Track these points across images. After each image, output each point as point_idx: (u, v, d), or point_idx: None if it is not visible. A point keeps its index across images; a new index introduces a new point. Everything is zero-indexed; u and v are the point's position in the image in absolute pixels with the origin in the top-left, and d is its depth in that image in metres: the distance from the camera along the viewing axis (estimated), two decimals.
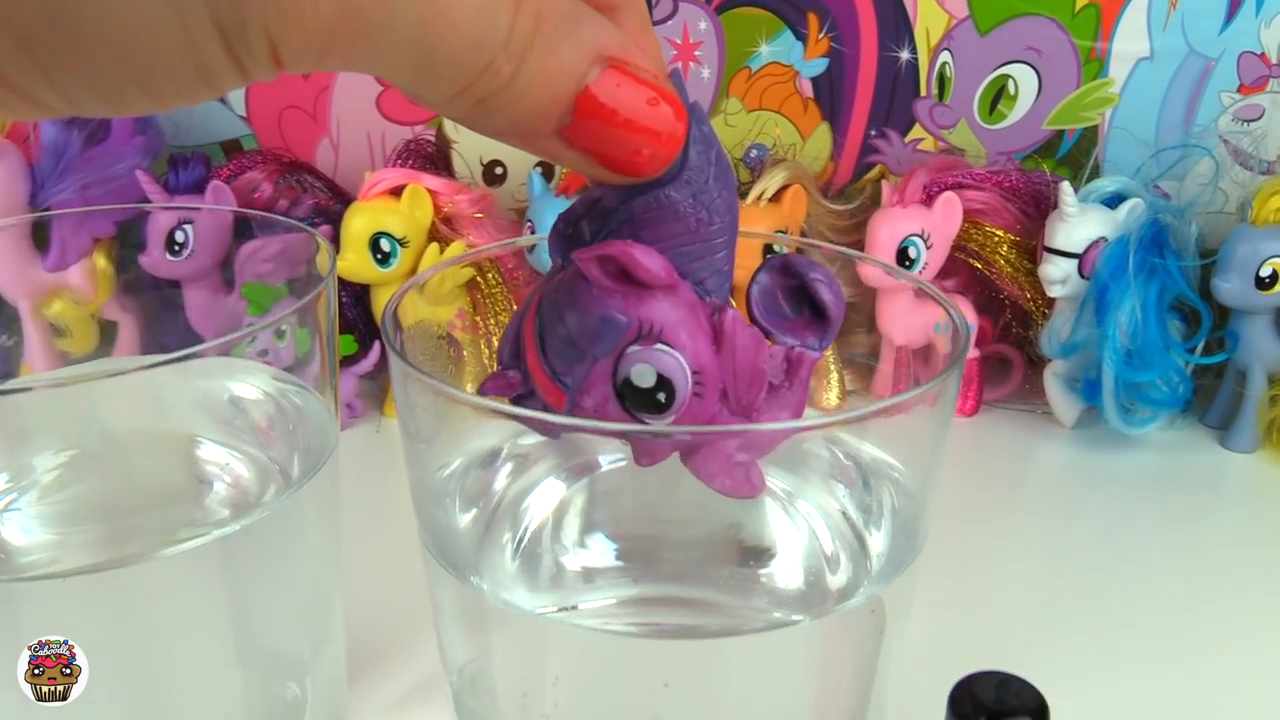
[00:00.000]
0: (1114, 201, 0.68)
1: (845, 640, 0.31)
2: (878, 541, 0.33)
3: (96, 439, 0.37)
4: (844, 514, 0.33)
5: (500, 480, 0.35)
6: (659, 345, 0.26)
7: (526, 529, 0.33)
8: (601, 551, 0.33)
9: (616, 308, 0.26)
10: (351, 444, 0.68)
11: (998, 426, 0.73)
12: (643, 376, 0.26)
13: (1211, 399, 0.73)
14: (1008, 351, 0.74)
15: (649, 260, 0.26)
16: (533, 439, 0.35)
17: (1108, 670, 0.48)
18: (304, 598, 0.37)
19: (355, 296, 0.70)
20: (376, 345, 0.69)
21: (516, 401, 0.28)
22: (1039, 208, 0.71)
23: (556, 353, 0.27)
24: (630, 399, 0.26)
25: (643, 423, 0.27)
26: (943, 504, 0.34)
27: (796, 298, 0.29)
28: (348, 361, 0.69)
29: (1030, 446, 0.71)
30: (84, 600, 0.32)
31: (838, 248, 0.40)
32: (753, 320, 0.28)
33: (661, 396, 0.26)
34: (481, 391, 0.28)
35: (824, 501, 0.33)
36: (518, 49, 0.22)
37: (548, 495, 0.35)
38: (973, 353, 0.73)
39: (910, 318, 0.61)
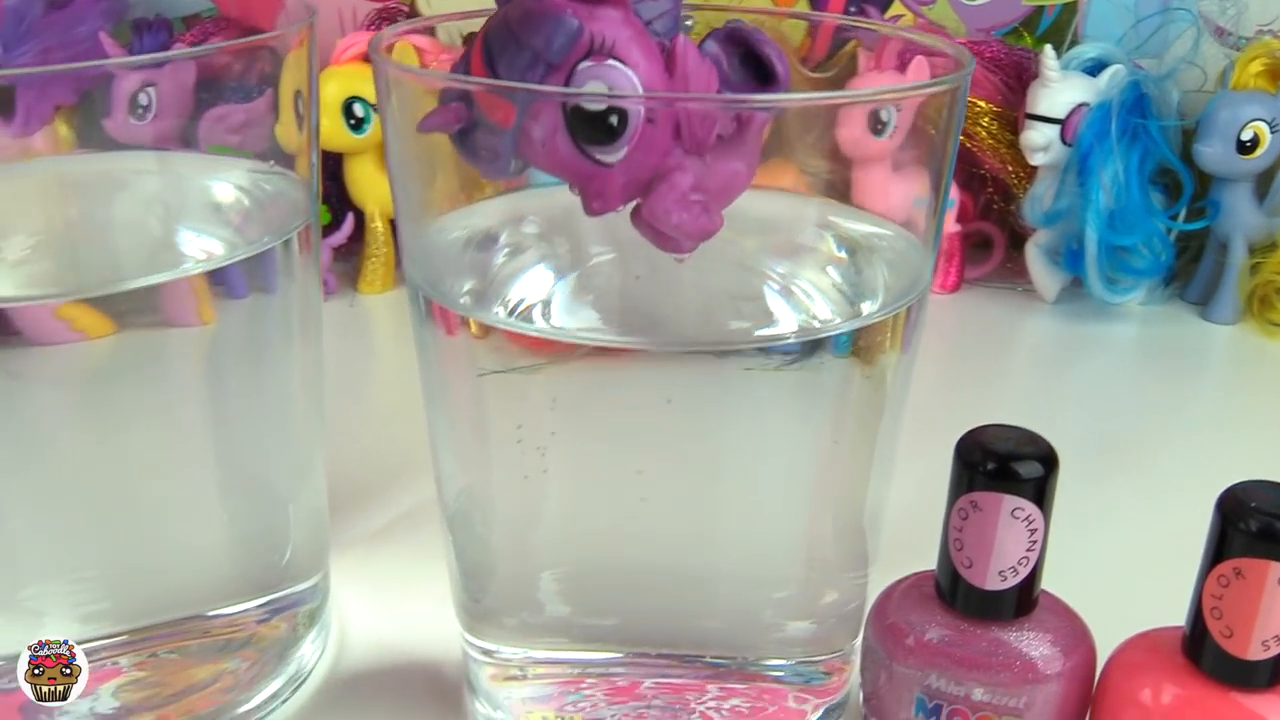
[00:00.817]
0: (1095, 69, 0.67)
1: (845, 385, 0.30)
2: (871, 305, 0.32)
3: (64, 224, 0.35)
4: (839, 290, 0.32)
5: (497, 259, 0.33)
6: (610, 60, 0.25)
7: (522, 302, 0.32)
8: (597, 319, 0.32)
9: (568, 15, 0.25)
10: (327, 317, 0.67)
11: (979, 303, 0.73)
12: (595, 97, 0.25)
13: (1192, 275, 0.72)
14: (989, 229, 0.74)
15: None
16: (530, 229, 0.34)
17: (1089, 541, 0.47)
18: (284, 420, 0.36)
19: (328, 170, 0.68)
20: (350, 217, 0.68)
21: (459, 137, 0.26)
22: (1020, 79, 0.70)
23: (508, 66, 0.25)
24: (581, 131, 0.25)
25: (594, 159, 0.25)
26: (923, 378, 0.33)
27: (743, 65, 0.28)
28: (321, 233, 0.67)
29: (1012, 321, 0.71)
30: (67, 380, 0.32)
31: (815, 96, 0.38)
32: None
33: (614, 120, 0.25)
34: (421, 126, 0.27)
35: (819, 280, 0.32)
36: None
37: (540, 278, 0.33)
38: (954, 228, 0.72)
39: (888, 191, 0.60)
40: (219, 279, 0.33)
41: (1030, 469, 0.29)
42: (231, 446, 0.35)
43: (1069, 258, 0.68)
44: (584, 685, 0.34)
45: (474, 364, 0.30)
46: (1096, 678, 0.32)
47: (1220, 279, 0.70)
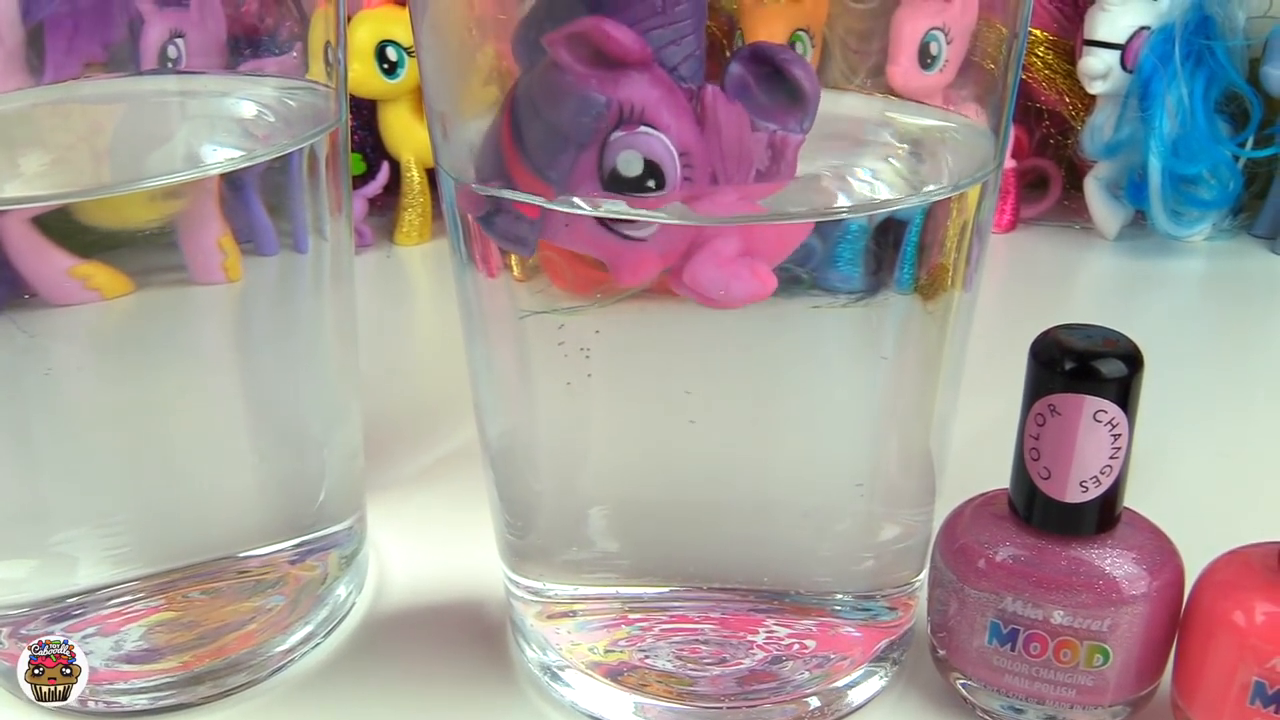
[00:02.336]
0: None
1: (908, 322, 0.29)
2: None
3: (82, 137, 0.34)
4: (901, 175, 0.30)
5: None
6: (642, 128, 0.24)
7: None
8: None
9: (593, 89, 0.24)
10: (363, 269, 0.66)
11: (1036, 243, 0.70)
12: (629, 164, 0.24)
13: (1260, 208, 0.69)
14: (1045, 165, 0.71)
15: (620, 33, 0.24)
16: None
17: (1172, 457, 0.45)
18: (316, 369, 0.35)
19: (362, 119, 0.67)
20: (385, 166, 0.66)
21: (484, 219, 0.26)
22: (1076, 5, 0.67)
23: (537, 146, 0.25)
24: (621, 192, 0.24)
25: (621, 234, 0.25)
26: (980, 320, 0.32)
27: (770, 84, 0.26)
28: (356, 183, 0.66)
29: (1072, 259, 0.68)
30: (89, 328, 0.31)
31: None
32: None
33: (651, 184, 0.24)
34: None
35: (880, 168, 0.30)
36: None
37: None
38: (1008, 165, 0.69)
39: None
40: (246, 235, 0.32)
41: (1113, 367, 0.27)
42: (261, 394, 0.34)
43: (1131, 190, 0.65)
44: (634, 620, 0.32)
45: (515, 306, 0.29)
46: (1185, 599, 0.30)
47: None
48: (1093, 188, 0.67)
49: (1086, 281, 0.67)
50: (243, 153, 0.32)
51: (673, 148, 0.24)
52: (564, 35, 0.24)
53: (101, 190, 0.30)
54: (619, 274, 0.25)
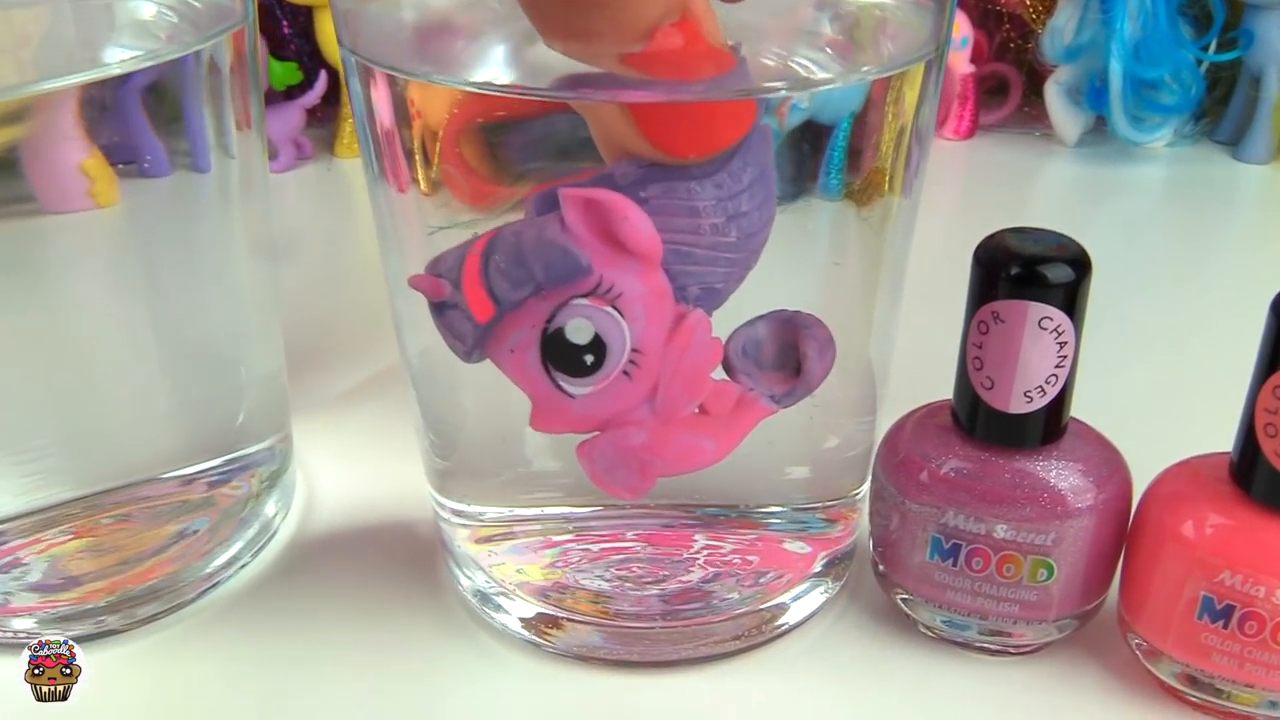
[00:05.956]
0: None
1: (840, 230, 0.27)
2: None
3: None
4: (837, 63, 0.29)
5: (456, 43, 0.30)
6: (609, 308, 0.23)
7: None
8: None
9: (584, 251, 0.23)
10: (302, 184, 0.64)
11: (995, 149, 0.69)
12: (578, 331, 0.23)
13: (1222, 113, 0.68)
14: (1005, 70, 0.69)
15: (640, 223, 0.23)
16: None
17: (1121, 368, 0.44)
18: (226, 288, 0.34)
19: (298, 26, 0.64)
20: (323, 75, 0.64)
21: (436, 309, 0.25)
22: None
23: (500, 269, 0.23)
24: (554, 353, 0.24)
25: (555, 382, 0.24)
26: (934, 230, 0.30)
27: (783, 355, 0.26)
28: (293, 93, 0.63)
29: (1031, 166, 0.67)
30: None
31: None
32: (726, 359, 0.25)
33: (589, 359, 0.23)
34: (410, 282, 0.25)
35: (816, 56, 0.28)
36: None
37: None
38: (967, 70, 0.68)
39: None
40: (128, 156, 0.29)
41: (1059, 272, 0.26)
42: (166, 316, 0.32)
43: (1092, 95, 0.64)
44: (564, 541, 0.31)
45: (424, 221, 0.28)
46: (1133, 511, 0.29)
47: (1253, 115, 0.66)
48: (1053, 93, 0.66)
49: (1046, 189, 0.65)
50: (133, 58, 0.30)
51: (629, 338, 0.23)
52: (585, 196, 0.23)
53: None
54: (536, 415, 0.25)
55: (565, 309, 0.23)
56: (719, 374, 0.25)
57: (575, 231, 0.23)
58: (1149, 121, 0.63)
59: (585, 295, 0.23)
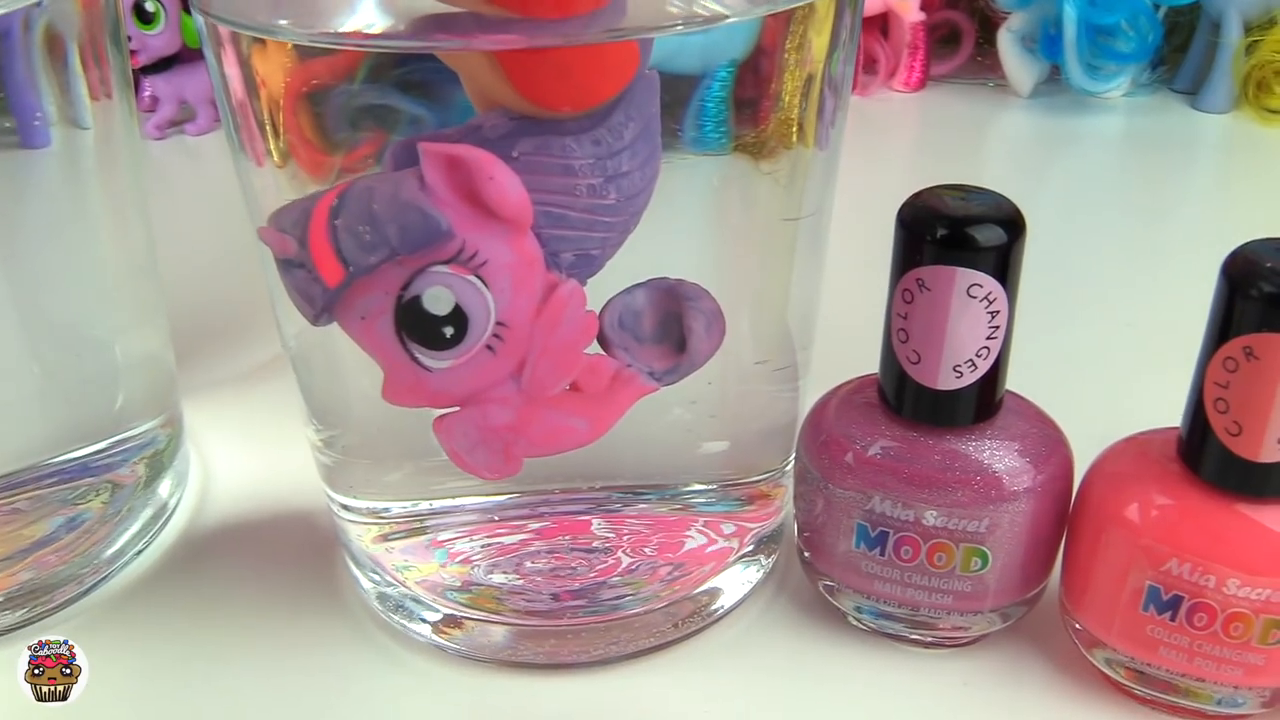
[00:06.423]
0: None
1: (732, 184, 0.25)
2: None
3: None
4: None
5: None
6: (472, 277, 0.21)
7: None
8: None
9: (444, 213, 0.20)
10: (206, 153, 0.61)
11: (947, 101, 0.66)
12: (437, 301, 0.21)
13: (1181, 61, 0.66)
14: (957, 19, 0.67)
15: (508, 183, 0.20)
16: None
17: (1063, 339, 0.41)
18: (91, 265, 0.31)
19: None
20: None
21: (283, 267, 0.22)
22: None
23: (350, 229, 0.21)
24: (410, 324, 0.21)
25: (411, 354, 0.21)
26: (883, 183, 0.27)
27: (665, 326, 0.23)
28: (196, 54, 0.60)
29: (984, 119, 0.64)
30: None
31: None
32: (601, 332, 0.23)
33: (449, 331, 0.21)
34: (260, 233, 0.22)
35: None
36: None
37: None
38: (917, 18, 0.65)
39: None
40: None
41: (989, 234, 0.23)
42: (23, 299, 0.30)
43: (1045, 44, 0.62)
44: (465, 535, 0.28)
45: (281, 195, 0.25)
46: (1074, 493, 0.26)
47: (1212, 63, 0.63)
48: (1006, 41, 0.64)
49: (999, 141, 0.63)
50: None
51: (493, 312, 0.21)
52: (447, 154, 0.20)
53: None
54: (388, 387, 0.22)
55: (423, 276, 0.21)
56: (594, 348, 0.23)
57: (435, 191, 0.20)
58: (1105, 70, 0.61)
59: (446, 262, 0.21)
